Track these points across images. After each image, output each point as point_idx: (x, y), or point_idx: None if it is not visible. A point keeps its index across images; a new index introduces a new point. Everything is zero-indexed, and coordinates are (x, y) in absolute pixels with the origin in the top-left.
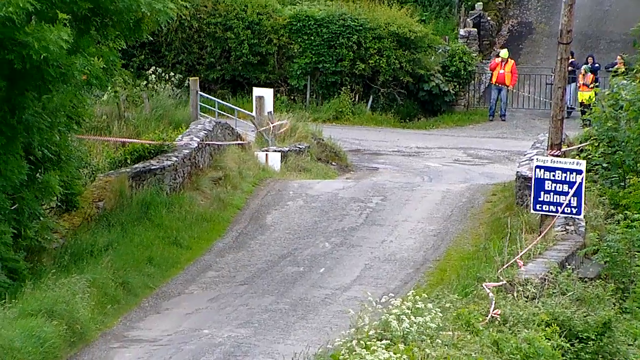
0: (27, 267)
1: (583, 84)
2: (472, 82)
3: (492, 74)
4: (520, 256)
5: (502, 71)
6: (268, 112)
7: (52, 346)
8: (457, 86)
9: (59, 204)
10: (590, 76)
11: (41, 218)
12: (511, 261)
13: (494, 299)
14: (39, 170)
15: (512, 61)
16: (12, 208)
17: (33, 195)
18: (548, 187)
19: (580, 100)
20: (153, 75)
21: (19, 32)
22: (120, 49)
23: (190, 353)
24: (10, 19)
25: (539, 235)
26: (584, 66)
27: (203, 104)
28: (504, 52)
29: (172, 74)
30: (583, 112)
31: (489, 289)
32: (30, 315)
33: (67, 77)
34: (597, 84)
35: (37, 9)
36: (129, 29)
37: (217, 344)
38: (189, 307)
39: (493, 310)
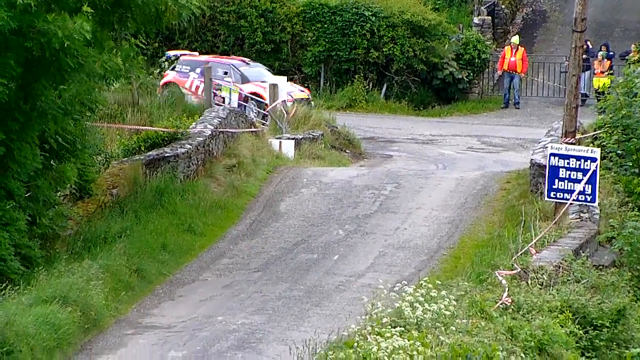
0: (42, 254)
1: (600, 71)
2: (486, 70)
3: (502, 62)
4: (534, 243)
5: (513, 59)
6: (282, 100)
7: (66, 332)
8: (471, 74)
9: (73, 191)
10: (607, 63)
11: (55, 205)
12: (525, 249)
13: (507, 286)
14: (54, 158)
15: (523, 48)
16: (27, 195)
17: (48, 183)
18: (562, 174)
19: (596, 87)
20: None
21: (38, 20)
22: (138, 45)
23: (204, 340)
24: (29, 6)
25: (553, 222)
26: (600, 52)
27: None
28: (515, 39)
29: None
30: (599, 99)
31: (501, 276)
32: (45, 301)
33: (84, 68)
34: (611, 71)
35: None
36: (150, 22)
37: (231, 331)
38: (203, 294)
39: (505, 297)
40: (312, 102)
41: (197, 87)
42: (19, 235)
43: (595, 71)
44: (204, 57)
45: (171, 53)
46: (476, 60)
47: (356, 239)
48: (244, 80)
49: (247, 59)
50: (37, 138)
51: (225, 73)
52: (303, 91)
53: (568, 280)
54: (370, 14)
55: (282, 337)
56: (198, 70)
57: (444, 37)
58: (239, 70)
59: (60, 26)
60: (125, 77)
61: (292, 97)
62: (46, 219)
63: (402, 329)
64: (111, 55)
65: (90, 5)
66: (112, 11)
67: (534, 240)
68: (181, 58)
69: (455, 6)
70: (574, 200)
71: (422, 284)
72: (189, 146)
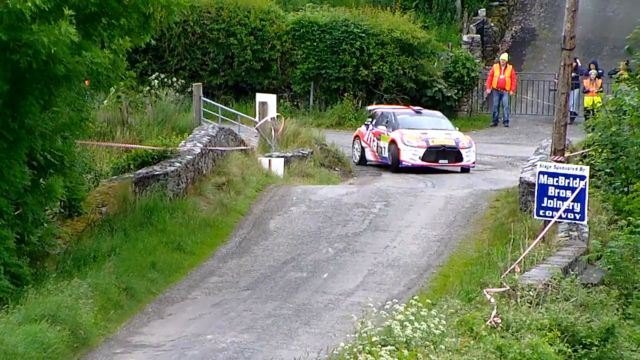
0: (31, 273)
1: (592, 90)
2: (476, 88)
3: (491, 80)
4: (519, 261)
5: (502, 76)
6: (271, 117)
7: (55, 351)
8: (460, 92)
9: (62, 209)
10: (599, 81)
11: (45, 224)
12: (512, 266)
13: (496, 304)
14: (43, 176)
15: (512, 66)
16: (16, 213)
17: (36, 201)
18: (551, 192)
19: (587, 105)
20: (156, 81)
21: (24, 33)
22: (126, 50)
23: (193, 358)
24: (23, 14)
25: (537, 239)
26: (591, 71)
27: (206, 110)
28: (504, 56)
29: (175, 79)
30: (587, 117)
31: (490, 295)
32: (34, 320)
33: (72, 76)
34: (601, 89)
35: (45, 9)
36: (138, 27)
37: (221, 349)
38: (192, 312)
39: (493, 316)
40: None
41: (370, 138)
42: (8, 253)
43: (587, 90)
44: (386, 107)
45: (370, 107)
46: (465, 78)
47: (345, 257)
48: (395, 127)
49: (419, 108)
50: (26, 155)
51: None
52: None
53: (557, 298)
54: (359, 32)
55: (271, 355)
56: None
57: (433, 55)
58: (395, 118)
59: (46, 33)
60: (115, 84)
61: None
62: (35, 237)
63: (392, 347)
64: (98, 55)
65: (74, 11)
66: (98, 19)
67: (520, 258)
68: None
69: (444, 24)
70: (562, 218)
71: (412, 302)
72: (178, 164)
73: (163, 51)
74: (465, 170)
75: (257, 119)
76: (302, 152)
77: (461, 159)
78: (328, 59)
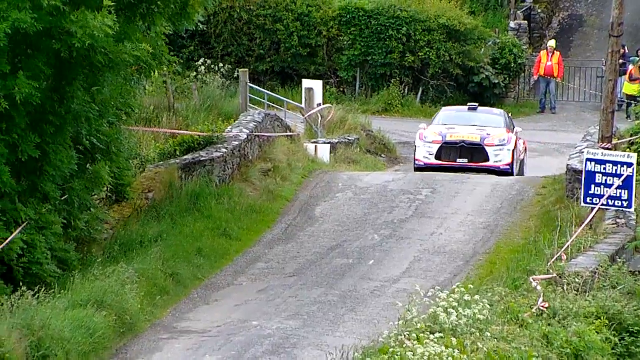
0: (77, 258)
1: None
2: (522, 74)
3: (538, 66)
4: (565, 248)
5: (549, 63)
6: (317, 104)
7: (102, 336)
8: (507, 78)
9: (108, 194)
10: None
11: (91, 209)
12: (558, 254)
13: (542, 291)
14: (89, 161)
15: (559, 52)
16: (62, 198)
17: (83, 186)
18: (598, 179)
19: (628, 92)
20: (202, 67)
21: (65, 21)
22: (166, 34)
23: (239, 344)
24: (56, 7)
25: (582, 225)
26: (632, 58)
27: (252, 96)
28: (551, 43)
29: (221, 65)
30: (628, 105)
31: (536, 281)
32: (80, 305)
33: (115, 64)
34: None
35: None
36: (176, 14)
37: (266, 336)
38: (238, 298)
39: (540, 303)
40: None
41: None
42: (55, 238)
43: (634, 77)
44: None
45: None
46: (512, 65)
47: (391, 243)
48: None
49: (475, 105)
50: (71, 140)
51: None
52: None
53: (604, 286)
54: (406, 17)
55: (316, 342)
56: None
57: (479, 41)
58: (439, 113)
59: (82, 25)
60: (158, 69)
61: None
62: (81, 222)
63: (439, 334)
64: (139, 44)
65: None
66: (137, 5)
67: (566, 245)
68: None
69: (491, 10)
70: (609, 205)
71: (456, 289)
72: (224, 150)
73: (209, 37)
74: (498, 172)
75: (303, 105)
76: (348, 138)
77: (487, 159)
78: (374, 45)
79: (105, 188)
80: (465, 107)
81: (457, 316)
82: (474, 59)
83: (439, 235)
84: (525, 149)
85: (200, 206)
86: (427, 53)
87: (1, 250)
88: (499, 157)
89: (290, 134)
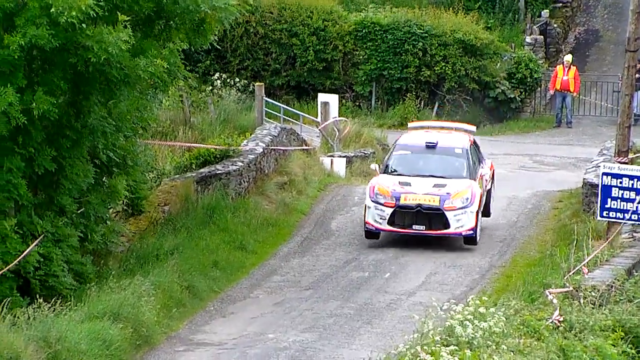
0: (93, 271)
1: None
2: (539, 89)
3: (554, 81)
4: (586, 263)
5: (565, 78)
6: (333, 118)
7: (118, 349)
8: (523, 93)
9: (125, 207)
10: None
11: (107, 222)
12: (577, 268)
13: (558, 305)
14: (106, 175)
15: (575, 67)
16: (79, 212)
17: (99, 199)
18: (615, 194)
19: None
20: (218, 81)
21: (81, 36)
22: (181, 49)
23: (255, 357)
24: (72, 24)
25: (606, 242)
26: None
27: (268, 110)
28: (568, 57)
29: (237, 79)
30: None
31: (552, 295)
32: (96, 318)
33: (131, 79)
34: None
35: (99, 14)
36: (193, 31)
37: (282, 348)
38: (254, 311)
39: (556, 316)
40: None
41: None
42: (71, 251)
43: None
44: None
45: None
46: (528, 79)
47: (407, 257)
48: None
49: (435, 142)
50: (88, 154)
51: None
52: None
53: (620, 299)
54: (422, 32)
55: (333, 355)
56: None
57: (496, 55)
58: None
59: (98, 40)
60: (173, 85)
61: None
62: (98, 235)
63: (454, 347)
64: (154, 60)
65: (130, 15)
66: (154, 22)
67: (587, 260)
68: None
69: (507, 25)
70: (627, 219)
71: (470, 302)
72: (240, 164)
73: (225, 51)
74: (464, 240)
75: (319, 119)
76: (364, 152)
77: (447, 225)
78: (390, 60)
79: (122, 201)
80: (423, 143)
81: (473, 329)
82: (490, 73)
83: (456, 248)
84: (493, 175)
85: (217, 219)
86: (443, 68)
87: (18, 264)
88: (460, 222)
89: (306, 147)
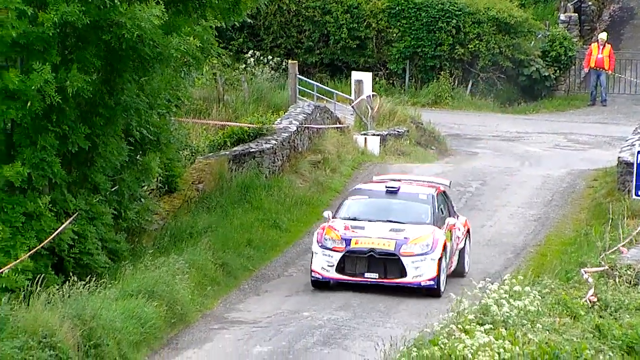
0: (127, 248)
1: None
2: (573, 67)
3: (589, 59)
4: (625, 243)
5: (600, 56)
6: (367, 96)
7: (153, 327)
8: (558, 71)
9: (159, 185)
10: None
11: (141, 199)
12: (615, 247)
13: (593, 284)
14: (139, 152)
15: (610, 45)
16: (113, 189)
17: (133, 177)
18: None
19: None
20: (251, 59)
21: (114, 13)
22: (214, 27)
23: (290, 335)
24: (104, 1)
25: None
26: None
27: (301, 88)
28: (602, 35)
29: (270, 57)
30: None
31: (588, 274)
32: (130, 295)
33: (164, 56)
34: None
35: None
36: (227, 9)
37: (317, 326)
38: (288, 289)
39: (590, 295)
40: None
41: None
42: (106, 229)
43: None
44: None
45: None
46: (562, 57)
47: None
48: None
49: (397, 187)
50: (122, 132)
51: None
52: None
53: None
54: (455, 10)
55: (367, 333)
56: None
57: (530, 33)
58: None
59: (131, 16)
60: (206, 62)
61: None
62: (132, 213)
63: (490, 326)
64: (187, 38)
65: None
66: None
67: (626, 240)
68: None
69: (541, 3)
70: None
71: (505, 281)
72: (274, 142)
73: (258, 29)
74: (425, 290)
75: (352, 97)
76: (398, 130)
77: (404, 273)
78: (424, 37)
79: (156, 179)
80: (383, 189)
81: (509, 308)
82: (524, 51)
83: (490, 227)
84: (468, 231)
85: (251, 197)
86: (477, 45)
87: (52, 241)
88: (419, 270)
89: (340, 126)
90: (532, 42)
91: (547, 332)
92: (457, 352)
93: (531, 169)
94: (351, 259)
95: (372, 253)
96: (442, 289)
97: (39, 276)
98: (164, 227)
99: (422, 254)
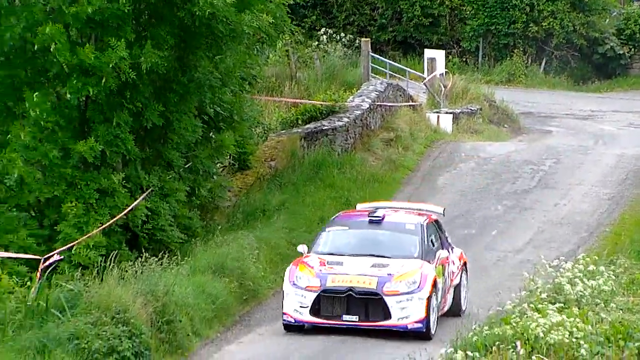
0: (200, 225)
1: None
2: None
3: None
4: None
5: None
6: (440, 74)
7: (224, 303)
8: (633, 49)
9: (232, 162)
10: None
11: (215, 177)
12: None
13: None
14: (213, 129)
15: None
16: (186, 166)
17: (207, 154)
18: None
19: None
20: (324, 36)
21: None
22: (287, 4)
23: None
24: None
25: None
26: None
27: (374, 65)
28: None
29: (343, 34)
30: None
31: None
32: (202, 272)
33: (237, 34)
34: None
35: None
36: None
37: None
38: None
39: None
40: None
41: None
42: (179, 205)
43: None
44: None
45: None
46: (638, 36)
47: (514, 214)
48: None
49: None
50: (195, 109)
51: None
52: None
53: None
54: None
55: None
56: None
57: (604, 11)
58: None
59: None
60: (280, 39)
61: None
62: (205, 189)
63: (562, 304)
64: (260, 15)
65: None
66: None
67: None
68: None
69: None
70: None
71: (579, 260)
72: (346, 119)
73: (331, 6)
74: (412, 334)
75: (425, 75)
76: (471, 108)
77: (388, 315)
78: (497, 15)
79: (229, 156)
80: (366, 218)
81: (582, 287)
82: (598, 29)
83: (563, 206)
84: (465, 264)
85: (323, 175)
86: (551, 23)
87: (126, 217)
88: (406, 311)
89: (413, 104)
90: (607, 20)
91: (621, 311)
92: (530, 330)
93: (605, 148)
94: (327, 300)
95: (350, 292)
96: (432, 331)
97: (112, 252)
98: (236, 204)
99: (408, 293)
